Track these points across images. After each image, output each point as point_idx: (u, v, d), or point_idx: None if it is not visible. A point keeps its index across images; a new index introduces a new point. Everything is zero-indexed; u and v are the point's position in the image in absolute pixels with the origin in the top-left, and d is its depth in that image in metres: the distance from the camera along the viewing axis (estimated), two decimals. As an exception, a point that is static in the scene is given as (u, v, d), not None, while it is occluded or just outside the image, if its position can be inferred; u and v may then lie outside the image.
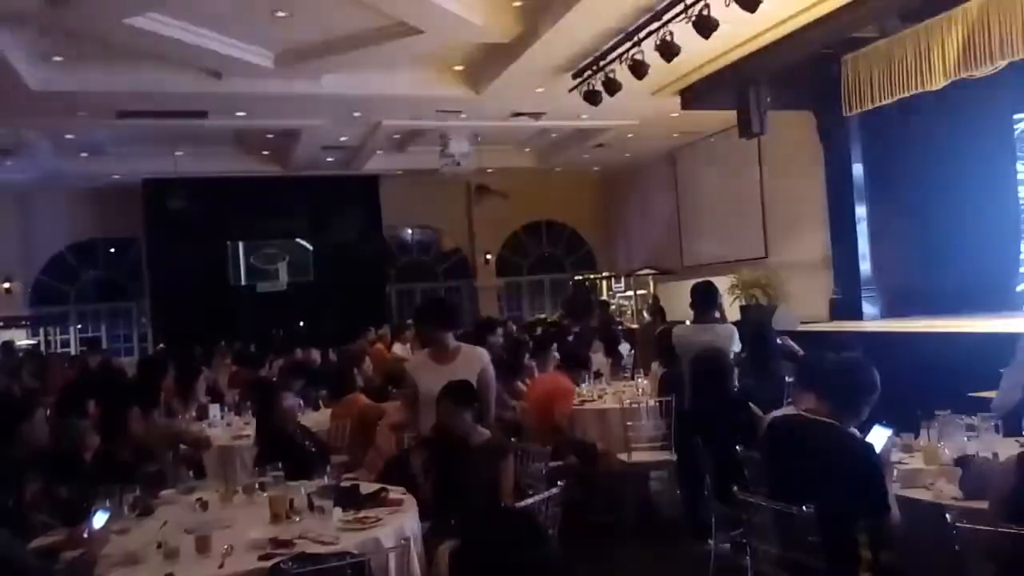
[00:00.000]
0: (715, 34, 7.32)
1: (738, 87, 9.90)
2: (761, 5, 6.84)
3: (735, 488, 3.35)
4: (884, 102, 9.00)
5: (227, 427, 6.33)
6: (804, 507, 2.92)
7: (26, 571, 2.84)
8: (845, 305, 10.37)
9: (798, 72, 9.70)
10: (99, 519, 3.35)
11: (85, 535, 3.27)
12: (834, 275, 10.82)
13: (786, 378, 5.15)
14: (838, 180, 10.67)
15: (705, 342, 5.12)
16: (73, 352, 14.73)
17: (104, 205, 15.35)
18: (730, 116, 10.55)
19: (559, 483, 3.70)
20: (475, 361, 4.40)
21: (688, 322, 6.09)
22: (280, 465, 3.98)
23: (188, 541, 3.21)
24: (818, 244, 11.26)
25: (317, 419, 6.38)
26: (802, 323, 10.08)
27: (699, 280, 5.92)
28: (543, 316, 16.72)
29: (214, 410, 6.60)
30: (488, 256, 18.04)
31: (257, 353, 10.43)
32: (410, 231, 18.21)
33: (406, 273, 18.05)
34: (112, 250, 16.32)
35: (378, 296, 16.55)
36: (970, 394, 4.91)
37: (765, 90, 9.82)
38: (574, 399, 6.29)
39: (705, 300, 5.62)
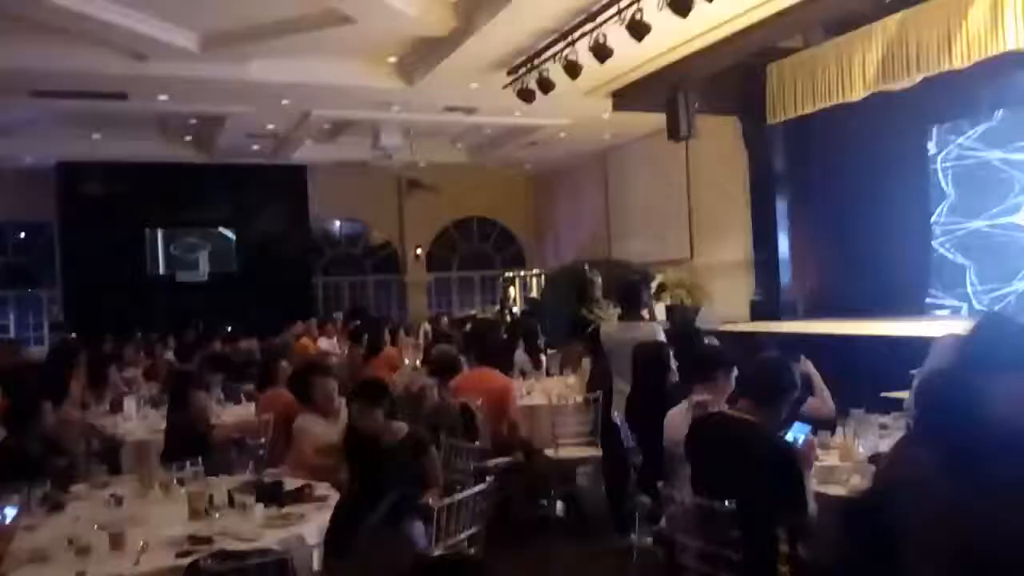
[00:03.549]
0: (647, 38, 7.44)
1: (668, 91, 10.08)
2: (692, 11, 6.99)
3: (659, 483, 3.41)
4: (807, 111, 9.31)
5: (143, 420, 6.12)
6: (726, 502, 2.99)
7: None
8: (765, 307, 10.70)
9: (726, 78, 9.94)
10: (6, 515, 3.20)
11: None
12: (755, 277, 11.14)
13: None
14: (761, 185, 11.00)
15: (631, 339, 5.19)
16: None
17: (15, 188, 14.57)
18: (660, 119, 10.73)
19: (487, 478, 3.69)
20: None
21: (615, 320, 6.18)
22: (200, 460, 3.88)
23: (101, 537, 3.09)
24: (740, 247, 11.57)
25: (239, 413, 6.24)
26: (724, 323, 10.35)
27: (626, 279, 6.01)
28: (473, 312, 16.71)
29: (130, 403, 6.36)
30: (418, 251, 17.93)
31: (183, 346, 10.12)
32: (338, 223, 17.94)
33: (334, 266, 17.78)
34: (22, 235, 15.57)
35: (304, 289, 16.24)
36: (883, 394, 5.12)
37: (693, 94, 10.03)
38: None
39: (631, 298, 5.71)
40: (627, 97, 10.85)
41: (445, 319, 13.39)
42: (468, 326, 12.19)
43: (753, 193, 11.15)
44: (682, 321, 10.05)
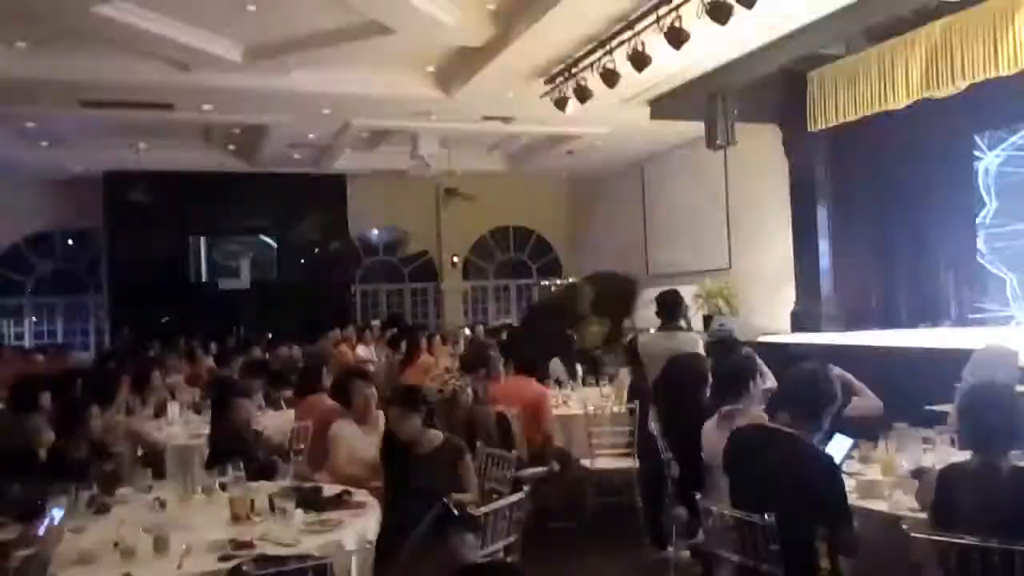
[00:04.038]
0: (685, 46, 7.41)
1: (706, 99, 10.03)
2: (732, 19, 6.95)
3: (697, 495, 3.38)
4: (848, 119, 9.19)
5: (185, 425, 6.23)
6: (765, 516, 2.96)
7: None
8: (806, 317, 10.55)
9: (765, 86, 9.87)
10: (54, 517, 3.28)
11: (39, 533, 3.19)
12: (796, 287, 10.99)
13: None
14: (801, 193, 10.87)
15: (669, 349, 5.16)
16: (27, 345, 14.37)
17: (64, 196, 15.00)
18: (699, 127, 10.68)
19: (523, 488, 3.69)
20: None
21: (652, 330, 6.14)
22: (241, 465, 3.94)
23: (146, 540, 3.16)
24: (781, 256, 11.43)
25: (280, 419, 6.32)
26: (763, 334, 10.23)
27: (665, 289, 5.98)
28: (509, 321, 16.72)
29: (173, 408, 6.49)
30: (455, 259, 18.00)
31: (220, 350, 10.29)
32: (376, 232, 18.09)
33: (372, 274, 17.92)
34: (70, 242, 15.96)
35: (343, 296, 16.40)
36: (926, 407, 5.02)
37: (732, 102, 9.96)
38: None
39: (670, 309, 5.68)
40: (665, 105, 10.81)
41: (481, 328, 13.43)
42: (504, 335, 12.23)
43: (793, 202, 11.02)
44: (719, 331, 9.95)
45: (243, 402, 4.78)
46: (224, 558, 3.03)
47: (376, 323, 14.49)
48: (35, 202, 14.99)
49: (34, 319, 15.88)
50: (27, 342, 15.10)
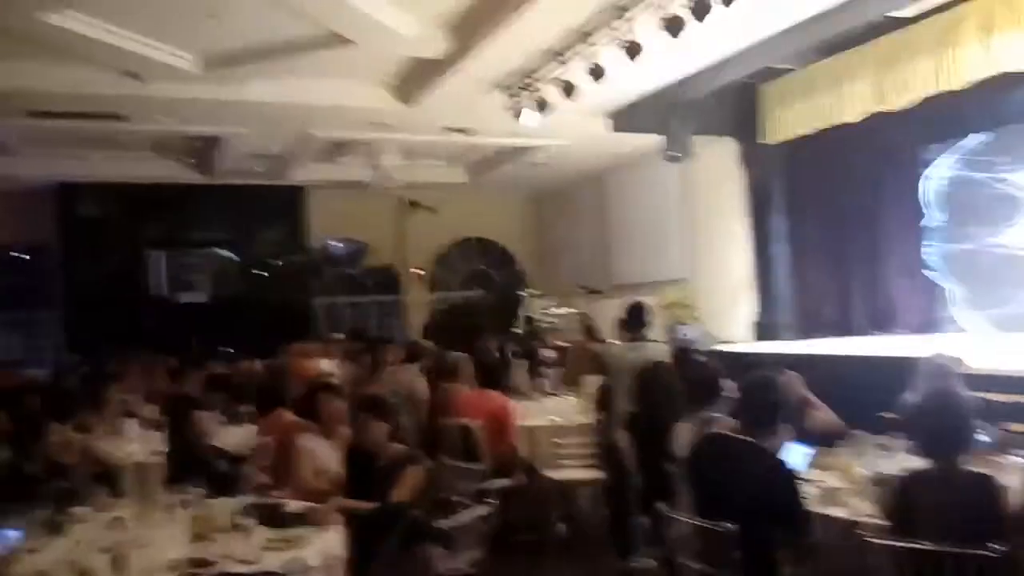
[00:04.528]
0: (644, 59, 7.52)
1: (663, 112, 10.17)
2: (684, 33, 7.07)
3: (658, 504, 3.41)
4: (801, 132, 9.39)
5: (145, 442, 6.11)
6: (727, 524, 3.00)
7: None
8: (766, 327, 10.72)
9: (720, 99, 10.04)
10: (8, 537, 3.21)
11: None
12: (756, 297, 11.17)
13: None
14: (758, 205, 11.06)
15: (637, 360, 5.20)
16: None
17: (15, 208, 14.58)
18: (658, 139, 10.82)
19: (487, 501, 3.70)
20: None
21: (618, 341, 6.20)
22: (203, 482, 3.89)
23: (104, 561, 3.10)
24: (740, 266, 11.61)
25: (241, 434, 6.23)
26: (723, 343, 10.37)
27: (631, 300, 6.05)
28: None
29: (131, 425, 6.36)
30: (420, 272, 17.94)
31: (179, 365, 10.11)
32: (338, 244, 17.95)
33: (334, 287, 17.76)
34: (22, 257, 15.56)
35: (304, 309, 16.22)
36: (880, 414, 5.13)
37: (689, 115, 10.12)
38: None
39: (637, 320, 5.75)
40: (625, 118, 10.93)
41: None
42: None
43: (751, 213, 11.21)
44: (680, 341, 10.06)
45: (199, 415, 4.72)
46: (184, 577, 2.99)
47: (339, 336, 14.36)
48: (-15, 215, 14.60)
49: (-14, 335, 15.45)
50: (-23, 359, 14.67)
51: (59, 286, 14.86)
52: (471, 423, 5.68)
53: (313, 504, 3.85)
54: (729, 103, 10.37)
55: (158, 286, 15.21)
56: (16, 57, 8.61)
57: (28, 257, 15.54)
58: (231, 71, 9.23)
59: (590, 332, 12.56)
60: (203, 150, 13.12)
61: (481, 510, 3.61)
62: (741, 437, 3.33)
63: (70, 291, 14.54)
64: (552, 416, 6.35)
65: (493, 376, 6.52)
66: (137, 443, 6.10)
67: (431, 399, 6.78)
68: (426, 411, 6.70)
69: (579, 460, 6.00)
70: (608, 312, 12.67)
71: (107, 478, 5.25)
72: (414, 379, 8.17)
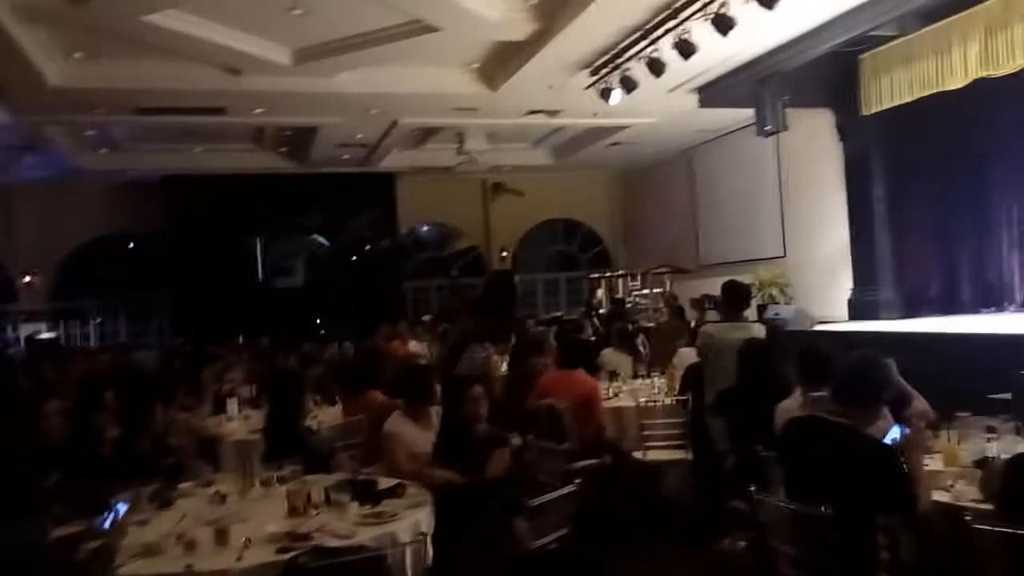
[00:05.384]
0: (732, 32, 7.30)
1: (755, 85, 9.86)
2: (779, 3, 6.82)
3: (752, 488, 3.33)
4: (903, 100, 8.94)
5: (244, 421, 6.38)
6: (823, 508, 2.90)
7: (47, 562, 2.88)
8: (863, 305, 10.31)
9: (816, 69, 9.65)
10: (119, 510, 3.40)
11: (105, 527, 3.31)
12: (853, 274, 10.76)
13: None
14: (857, 178, 10.62)
15: (737, 340, 5.05)
16: (92, 346, 14.85)
17: (125, 200, 15.47)
18: (748, 113, 10.51)
19: (575, 481, 3.69)
20: None
21: (717, 321, 6.07)
22: (298, 459, 4.02)
23: (207, 533, 3.24)
24: (838, 243, 11.20)
25: (333, 414, 6.42)
26: (820, 323, 10.03)
27: (729, 279, 5.92)
28: (558, 313, 16.70)
29: (231, 404, 6.64)
30: (504, 253, 18.04)
31: (273, 347, 10.49)
32: (426, 228, 18.23)
33: (422, 270, 18.08)
34: (133, 245, 16.43)
35: (394, 292, 16.57)
36: (990, 396, 4.86)
37: (782, 87, 9.77)
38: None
39: (736, 299, 5.61)
40: (713, 93, 10.67)
41: (531, 321, 13.43)
42: (554, 328, 12.21)
43: (849, 187, 10.78)
44: (774, 321, 9.78)
45: (300, 398, 4.88)
46: (282, 550, 3.10)
47: (427, 318, 14.61)
48: (98, 206, 15.48)
49: (99, 320, 16.41)
50: (92, 342, 15.61)
51: (165, 274, 15.64)
52: (558, 403, 5.68)
53: (404, 481, 3.93)
54: (825, 73, 9.97)
55: (256, 272, 15.83)
56: (123, 57, 9.07)
57: (136, 246, 16.41)
58: (322, 63, 9.46)
59: (677, 312, 12.39)
60: (298, 141, 13.53)
61: (568, 489, 3.61)
62: (841, 420, 3.21)
63: (175, 278, 15.30)
64: (640, 397, 6.28)
65: (580, 357, 6.48)
66: (237, 422, 6.38)
67: (512, 377, 6.81)
68: (501, 389, 6.74)
69: (667, 441, 5.92)
70: (695, 292, 12.49)
71: (209, 455, 5.51)
72: (488, 358, 8.27)
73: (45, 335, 14.72)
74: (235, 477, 4.29)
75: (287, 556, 3.00)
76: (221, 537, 3.22)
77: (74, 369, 9.40)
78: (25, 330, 15.01)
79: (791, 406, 3.92)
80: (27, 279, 15.32)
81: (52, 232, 15.35)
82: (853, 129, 10.38)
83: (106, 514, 3.38)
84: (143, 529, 3.39)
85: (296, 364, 8.25)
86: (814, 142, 11.32)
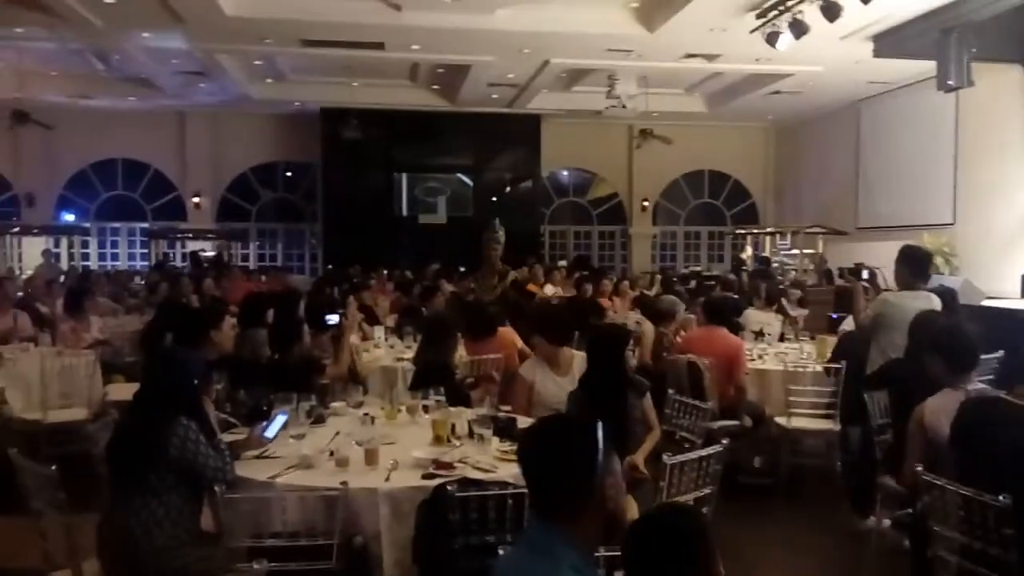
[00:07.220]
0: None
1: (939, 35, 9.04)
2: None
3: (919, 467, 3.11)
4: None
5: (390, 348, 6.61)
6: (1001, 497, 2.68)
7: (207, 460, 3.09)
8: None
9: (1010, 20, 8.74)
10: (278, 419, 3.59)
11: (267, 435, 3.51)
12: (1032, 248, 9.87)
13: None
14: (1048, 143, 9.64)
15: (916, 309, 4.68)
16: (251, 267, 15.80)
17: (285, 130, 16.25)
18: (925, 66, 9.69)
19: (723, 442, 3.58)
20: None
21: (893, 288, 5.67)
22: (441, 392, 4.11)
23: (358, 452, 3.37)
24: (1015, 214, 10.25)
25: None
26: (988, 298, 9.28)
27: (908, 243, 5.52)
28: (698, 268, 16.29)
29: (378, 332, 6.91)
30: (645, 203, 17.68)
31: (419, 281, 10.73)
32: (567, 172, 18.09)
33: (561, 215, 18.02)
34: (289, 174, 17.26)
35: (533, 235, 16.63)
36: None
37: (970, 39, 8.92)
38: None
39: (919, 266, 5.21)
40: (891, 42, 9.87)
41: (669, 274, 13.16)
42: (692, 283, 11.91)
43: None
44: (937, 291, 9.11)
45: (453, 342, 4.99)
46: (427, 476, 3.18)
47: (563, 264, 14.59)
48: (260, 135, 16.34)
49: (258, 243, 17.45)
50: (251, 263, 16.62)
51: (319, 202, 16.35)
52: (699, 360, 5.54)
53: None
54: (1017, 26, 9.01)
55: (401, 207, 16.27)
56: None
57: (293, 175, 17.21)
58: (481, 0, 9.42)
59: (825, 276, 11.76)
60: (449, 79, 13.64)
61: (711, 450, 3.50)
62: (1020, 402, 2.94)
63: (328, 207, 15.96)
64: (787, 361, 6.02)
65: (723, 315, 6.27)
66: (384, 348, 6.62)
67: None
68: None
69: (813, 408, 5.67)
70: (848, 256, 11.81)
71: (356, 379, 5.73)
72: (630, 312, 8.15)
73: (209, 253, 15.80)
74: (382, 402, 4.45)
75: (433, 482, 3.07)
76: (371, 457, 3.34)
77: (236, 288, 10.00)
78: (192, 247, 16.17)
79: (943, 405, 3.46)
80: (196, 200, 16.43)
81: (219, 156, 16.35)
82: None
83: (266, 424, 3.58)
84: (299, 443, 3.55)
85: (447, 303, 8.40)
86: (999, 101, 10.34)
